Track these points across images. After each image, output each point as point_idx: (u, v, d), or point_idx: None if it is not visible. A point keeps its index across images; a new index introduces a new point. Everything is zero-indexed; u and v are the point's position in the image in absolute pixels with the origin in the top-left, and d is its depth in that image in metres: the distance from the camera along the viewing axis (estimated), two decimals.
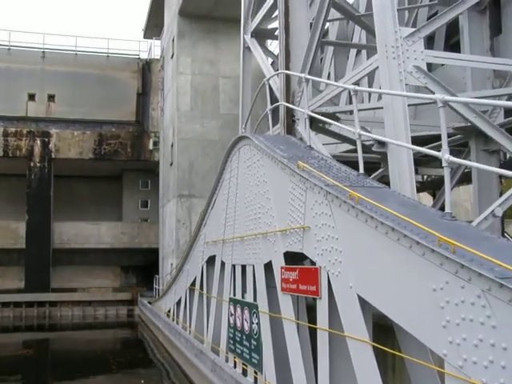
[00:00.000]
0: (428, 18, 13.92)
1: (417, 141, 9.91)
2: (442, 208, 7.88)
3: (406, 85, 8.28)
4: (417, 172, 17.37)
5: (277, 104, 11.78)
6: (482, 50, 10.92)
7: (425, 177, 17.84)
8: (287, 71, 11.69)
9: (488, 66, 9.74)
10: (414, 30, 8.71)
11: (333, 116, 10.32)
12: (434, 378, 6.01)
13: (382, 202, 6.15)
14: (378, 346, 6.30)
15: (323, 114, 9.94)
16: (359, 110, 8.35)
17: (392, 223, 5.60)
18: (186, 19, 27.74)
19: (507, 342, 4.21)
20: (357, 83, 9.63)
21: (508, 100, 10.34)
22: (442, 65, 11.06)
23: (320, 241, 7.36)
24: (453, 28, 12.17)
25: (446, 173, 5.83)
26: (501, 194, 9.65)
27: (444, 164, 5.73)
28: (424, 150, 6.70)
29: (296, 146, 10.06)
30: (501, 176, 10.44)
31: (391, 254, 5.70)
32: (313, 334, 7.93)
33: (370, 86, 14.11)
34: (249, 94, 16.09)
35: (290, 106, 11.40)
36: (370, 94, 14.14)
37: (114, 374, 17.76)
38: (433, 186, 17.94)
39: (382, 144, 8.39)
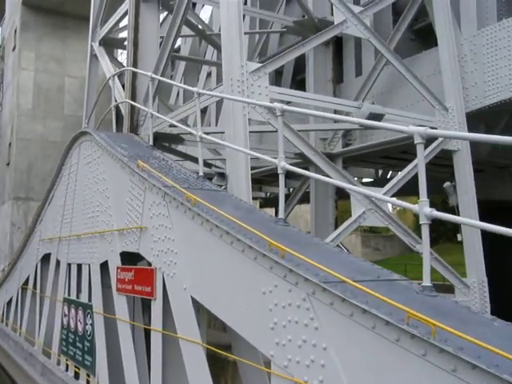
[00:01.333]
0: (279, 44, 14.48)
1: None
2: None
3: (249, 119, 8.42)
4: (260, 189, 18.03)
5: (121, 101, 11.54)
6: (325, 89, 11.54)
7: (268, 194, 18.60)
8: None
9: (329, 105, 10.15)
10: (260, 65, 8.85)
11: (177, 137, 10.30)
12: (263, 379, 6.19)
13: (218, 205, 6.23)
14: (210, 347, 6.38)
15: (167, 135, 9.88)
16: (208, 133, 8.39)
17: (226, 227, 5.69)
18: (31, 10, 26.02)
19: (327, 342, 4.45)
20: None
21: (344, 134, 11.14)
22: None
23: (156, 242, 7.31)
24: (300, 64, 12.65)
25: (281, 179, 6.06)
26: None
27: (279, 171, 5.97)
28: (261, 156, 6.89)
29: (138, 145, 9.91)
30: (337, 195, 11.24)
31: (225, 256, 5.79)
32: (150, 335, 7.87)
33: (219, 108, 14.13)
34: (93, 101, 15.55)
35: (139, 104, 11.19)
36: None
37: None
38: (275, 202, 18.68)
39: (222, 177, 8.56)
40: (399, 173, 9.43)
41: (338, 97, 11.74)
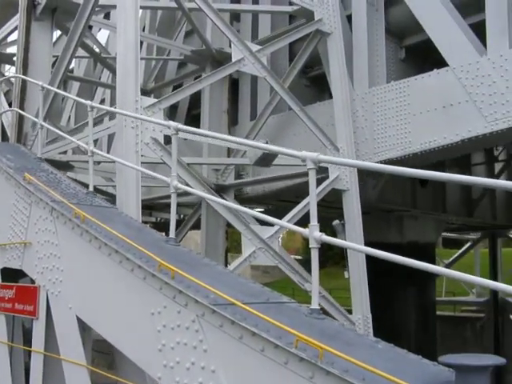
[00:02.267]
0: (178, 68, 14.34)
1: None
2: None
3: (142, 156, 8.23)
4: (151, 214, 17.81)
5: (8, 110, 11.00)
6: (220, 123, 11.53)
7: (158, 218, 18.52)
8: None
9: (224, 143, 10.13)
10: (155, 101, 8.68)
11: (66, 164, 9.98)
12: None
13: (108, 223, 6.06)
14: (95, 369, 6.17)
15: (56, 161, 9.52)
16: (99, 163, 8.15)
17: (115, 245, 5.55)
18: None
19: (216, 364, 4.42)
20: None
21: (236, 167, 11.20)
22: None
23: (41, 258, 6.98)
24: (196, 98, 12.55)
25: (173, 197, 6.02)
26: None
27: (171, 190, 5.93)
28: (154, 174, 6.81)
29: (25, 157, 9.48)
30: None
31: (114, 276, 5.63)
32: None
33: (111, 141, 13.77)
34: None
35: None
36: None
37: None
38: (165, 227, 18.62)
39: None
40: (291, 211, 9.48)
41: (232, 133, 11.75)
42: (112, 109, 8.47)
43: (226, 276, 5.31)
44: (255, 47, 9.92)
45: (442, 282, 26.87)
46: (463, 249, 26.36)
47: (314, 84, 13.31)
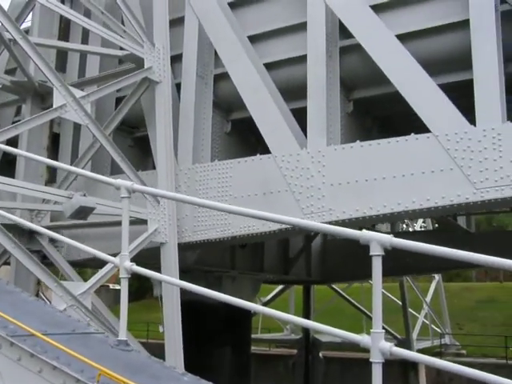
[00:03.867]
0: None
1: None
2: None
3: None
4: None
5: None
6: (36, 172, 10.90)
7: None
8: None
9: (39, 194, 9.66)
10: None
11: None
12: None
13: None
14: None
15: None
16: None
17: None
18: None
19: None
20: None
21: None
22: None
23: None
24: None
25: None
26: None
27: None
28: None
29: None
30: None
31: None
32: None
33: None
34: None
35: None
36: None
37: None
38: None
39: None
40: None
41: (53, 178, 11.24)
42: None
43: (30, 304, 4.99)
44: (79, 93, 9.64)
45: (258, 318, 27.80)
46: (280, 287, 27.09)
47: (138, 145, 13.14)
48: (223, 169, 10.16)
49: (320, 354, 26.42)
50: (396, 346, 3.31)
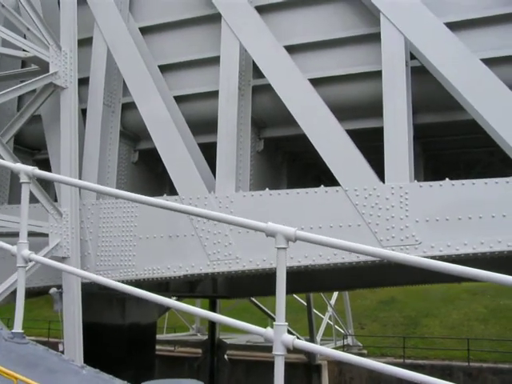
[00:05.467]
0: None
1: None
2: None
3: None
4: None
5: None
6: None
7: None
8: None
9: None
10: None
11: None
12: None
13: None
14: None
15: None
16: None
17: None
18: None
19: None
20: None
21: None
22: None
23: None
24: None
25: None
26: None
27: None
28: None
29: None
30: None
31: None
32: None
33: None
34: None
35: None
36: None
37: None
38: None
39: None
40: None
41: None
42: None
43: None
44: None
45: (164, 317, 27.66)
46: None
47: (40, 167, 12.35)
48: (128, 208, 9.65)
49: (225, 356, 26.52)
50: None
